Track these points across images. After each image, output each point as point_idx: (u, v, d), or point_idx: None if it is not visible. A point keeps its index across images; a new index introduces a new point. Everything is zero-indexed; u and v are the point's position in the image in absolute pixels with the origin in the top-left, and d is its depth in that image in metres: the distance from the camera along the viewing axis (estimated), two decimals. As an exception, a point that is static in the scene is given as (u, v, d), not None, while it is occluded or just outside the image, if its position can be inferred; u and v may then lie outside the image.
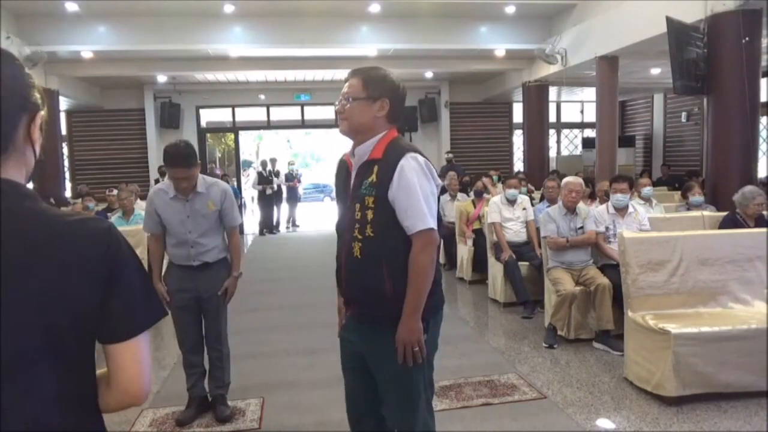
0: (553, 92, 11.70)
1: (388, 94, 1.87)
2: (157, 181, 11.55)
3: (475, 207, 6.59)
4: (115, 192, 7.32)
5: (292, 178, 12.41)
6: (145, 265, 4.49)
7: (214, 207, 3.07)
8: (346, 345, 2.04)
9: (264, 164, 12.09)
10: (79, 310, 0.89)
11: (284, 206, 12.40)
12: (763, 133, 10.11)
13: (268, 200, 11.88)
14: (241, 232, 11.77)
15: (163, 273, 3.24)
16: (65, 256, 0.88)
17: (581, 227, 4.57)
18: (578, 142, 15.07)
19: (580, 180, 4.75)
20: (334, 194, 2.12)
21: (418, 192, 1.78)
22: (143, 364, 0.95)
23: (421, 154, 1.84)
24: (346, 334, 2.03)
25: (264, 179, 11.80)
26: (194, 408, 3.25)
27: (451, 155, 12.04)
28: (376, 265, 1.83)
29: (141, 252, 5.31)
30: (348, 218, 1.90)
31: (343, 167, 1.99)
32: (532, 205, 6.05)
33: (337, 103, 1.89)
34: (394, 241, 1.81)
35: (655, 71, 9.96)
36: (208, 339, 3.23)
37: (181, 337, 3.24)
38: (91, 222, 0.94)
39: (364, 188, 1.84)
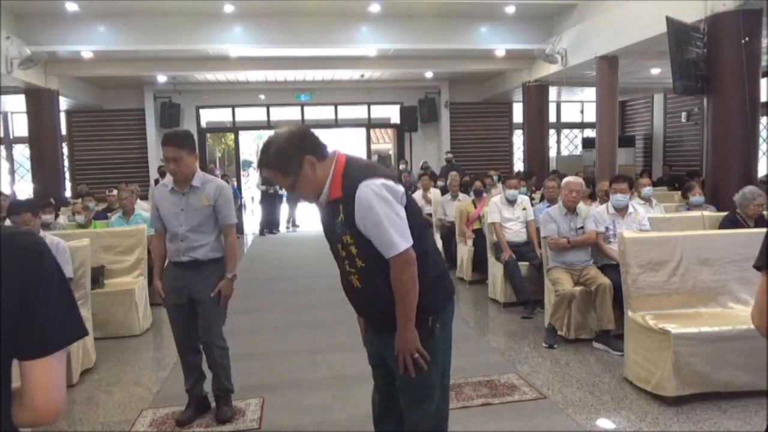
0: (553, 92, 11.70)
1: (297, 153, 1.84)
2: (156, 181, 11.55)
3: (475, 207, 6.58)
4: (115, 192, 7.31)
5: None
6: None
7: (207, 202, 3.06)
8: (370, 347, 2.18)
9: None
10: None
11: (284, 206, 12.40)
12: (763, 133, 10.11)
13: (271, 200, 11.87)
14: (241, 232, 11.78)
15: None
16: None
17: (581, 227, 4.57)
18: (578, 142, 15.07)
19: (580, 180, 4.75)
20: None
21: (381, 219, 1.78)
22: (54, 383, 0.93)
23: (376, 174, 1.83)
24: (369, 337, 2.17)
25: (267, 180, 11.80)
26: (193, 408, 3.25)
27: (451, 155, 12.04)
28: (376, 290, 1.91)
29: (141, 252, 5.32)
30: (336, 255, 1.99)
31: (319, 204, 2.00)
32: (532, 205, 6.06)
33: (285, 192, 1.96)
34: (384, 263, 1.85)
35: (655, 71, 9.96)
36: (202, 341, 3.20)
37: (174, 337, 3.25)
38: (21, 236, 0.95)
39: (338, 228, 1.88)
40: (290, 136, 1.87)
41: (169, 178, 3.10)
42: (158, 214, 3.11)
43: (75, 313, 0.98)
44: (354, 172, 1.86)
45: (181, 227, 3.04)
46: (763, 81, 6.12)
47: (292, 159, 1.84)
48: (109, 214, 6.95)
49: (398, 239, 1.80)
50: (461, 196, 7.64)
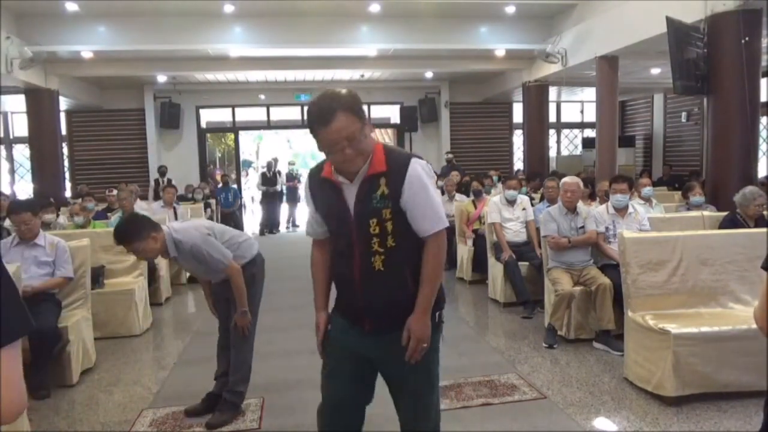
0: (553, 92, 11.70)
1: (363, 113, 1.80)
2: (156, 181, 11.54)
3: (475, 207, 6.59)
4: (114, 192, 7.32)
5: (292, 178, 12.41)
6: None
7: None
8: (344, 351, 1.96)
9: (269, 165, 12.09)
10: None
11: (284, 206, 12.40)
12: (763, 133, 10.11)
13: (270, 200, 11.86)
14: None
15: None
16: None
17: (582, 227, 4.57)
18: (578, 142, 15.07)
19: (576, 179, 4.74)
20: (311, 211, 1.99)
21: (432, 194, 1.81)
22: (7, 379, 0.88)
23: (419, 157, 1.86)
24: (345, 339, 1.96)
25: (268, 180, 11.78)
26: (204, 403, 3.27)
27: (451, 155, 12.04)
28: (402, 273, 1.84)
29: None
30: (358, 234, 1.83)
31: (327, 185, 1.86)
32: (532, 205, 6.06)
33: (331, 153, 1.76)
34: (414, 246, 1.84)
35: (655, 71, 9.96)
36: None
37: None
38: None
39: (376, 202, 1.80)
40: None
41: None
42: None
43: (17, 309, 0.94)
44: (397, 150, 1.89)
45: None
46: (763, 81, 6.12)
47: (361, 111, 1.77)
48: (109, 214, 6.95)
49: (444, 216, 1.84)
50: (459, 196, 7.64)
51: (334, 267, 1.99)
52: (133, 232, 2.86)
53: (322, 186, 1.88)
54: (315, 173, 1.92)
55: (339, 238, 1.92)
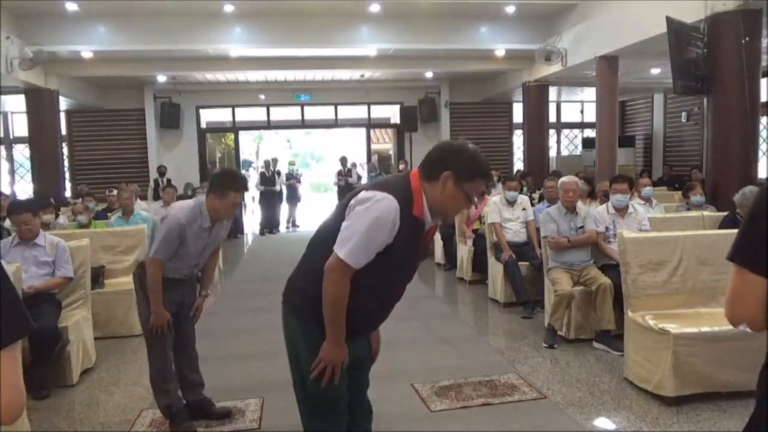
0: (553, 92, 11.69)
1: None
2: (156, 182, 11.53)
3: (475, 207, 6.58)
4: (115, 192, 7.32)
5: (292, 177, 12.41)
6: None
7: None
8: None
9: (267, 164, 12.08)
10: None
11: (284, 206, 12.40)
12: (763, 133, 10.10)
13: (270, 200, 11.86)
14: (241, 232, 11.78)
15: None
16: None
17: (581, 227, 4.57)
18: (578, 142, 15.06)
19: (575, 179, 4.75)
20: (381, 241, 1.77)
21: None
22: (6, 381, 0.88)
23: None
24: (360, 345, 2.01)
25: (267, 180, 11.77)
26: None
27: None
28: None
29: (140, 252, 5.31)
30: (411, 271, 1.98)
31: (413, 222, 1.79)
32: (532, 205, 6.05)
33: (472, 203, 1.92)
34: None
35: (655, 71, 9.96)
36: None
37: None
38: None
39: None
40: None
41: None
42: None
43: (20, 310, 0.94)
44: None
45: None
46: (763, 81, 6.11)
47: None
48: (109, 214, 6.95)
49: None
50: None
51: (366, 298, 1.85)
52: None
53: (408, 221, 1.77)
54: (406, 208, 1.76)
55: (400, 270, 1.90)
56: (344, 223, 1.78)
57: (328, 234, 1.85)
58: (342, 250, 1.74)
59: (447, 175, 1.76)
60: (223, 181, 2.90)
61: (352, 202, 1.80)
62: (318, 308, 1.81)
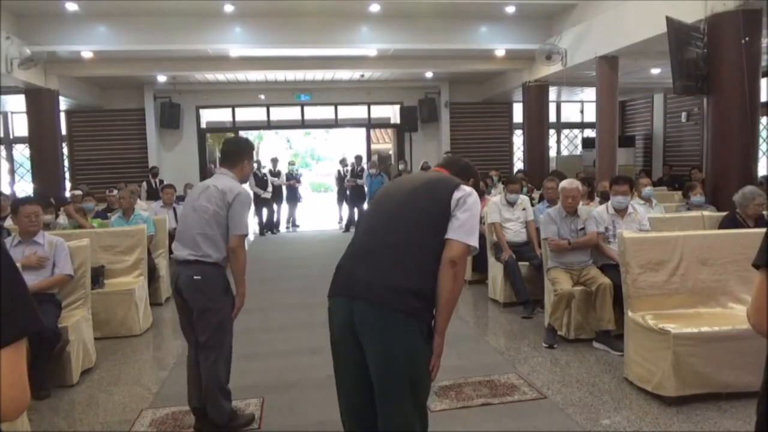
0: (553, 92, 11.70)
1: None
2: (148, 183, 11.43)
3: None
4: (115, 192, 7.32)
5: (292, 177, 12.37)
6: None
7: None
8: None
9: (258, 165, 11.38)
10: None
11: (284, 206, 12.35)
12: (763, 133, 10.11)
13: (263, 202, 11.59)
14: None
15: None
16: None
17: (582, 228, 4.57)
18: (578, 142, 15.07)
19: (576, 183, 4.73)
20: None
21: None
22: (8, 378, 0.87)
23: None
24: None
25: (259, 181, 11.30)
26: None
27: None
28: None
29: (141, 252, 5.32)
30: None
31: None
32: (532, 205, 6.05)
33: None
34: None
35: (655, 71, 9.96)
36: None
37: None
38: None
39: None
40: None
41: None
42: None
43: (25, 307, 0.94)
44: None
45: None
46: (763, 81, 6.11)
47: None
48: (109, 214, 6.95)
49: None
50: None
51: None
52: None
53: None
54: None
55: None
56: (463, 215, 1.93)
57: (426, 229, 1.93)
58: (471, 238, 1.93)
59: (473, 182, 2.23)
60: (250, 146, 3.21)
61: (460, 195, 1.96)
62: (430, 306, 1.89)
